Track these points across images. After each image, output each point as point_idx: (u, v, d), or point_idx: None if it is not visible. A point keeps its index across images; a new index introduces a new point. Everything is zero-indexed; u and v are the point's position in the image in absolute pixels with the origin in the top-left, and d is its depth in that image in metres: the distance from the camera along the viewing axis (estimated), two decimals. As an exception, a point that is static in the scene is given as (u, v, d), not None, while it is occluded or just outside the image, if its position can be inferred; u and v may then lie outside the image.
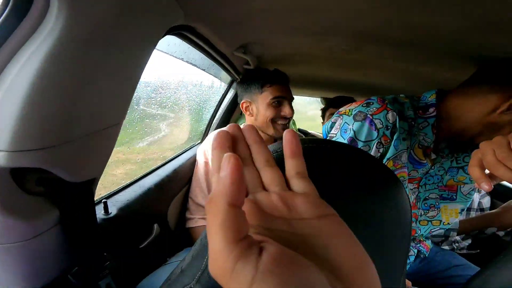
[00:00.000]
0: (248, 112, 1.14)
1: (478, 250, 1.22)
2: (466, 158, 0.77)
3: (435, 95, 0.71)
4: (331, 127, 0.76)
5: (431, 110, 0.71)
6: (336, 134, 0.72)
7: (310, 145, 0.30)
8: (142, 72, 0.49)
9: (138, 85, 0.49)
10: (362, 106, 0.70)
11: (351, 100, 1.68)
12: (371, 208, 0.29)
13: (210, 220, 0.17)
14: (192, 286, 0.31)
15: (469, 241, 1.23)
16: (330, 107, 1.81)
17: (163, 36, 0.52)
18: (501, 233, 1.18)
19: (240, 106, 1.16)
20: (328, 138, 0.74)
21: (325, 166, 0.29)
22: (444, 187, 0.80)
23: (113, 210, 0.66)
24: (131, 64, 0.46)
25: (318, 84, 1.78)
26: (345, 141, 0.69)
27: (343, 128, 0.71)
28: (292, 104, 1.12)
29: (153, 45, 0.48)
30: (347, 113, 0.72)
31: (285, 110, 1.07)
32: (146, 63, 0.49)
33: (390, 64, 1.02)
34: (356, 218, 0.27)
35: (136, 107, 1.02)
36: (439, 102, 0.71)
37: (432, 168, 0.77)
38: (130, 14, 0.39)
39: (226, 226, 0.16)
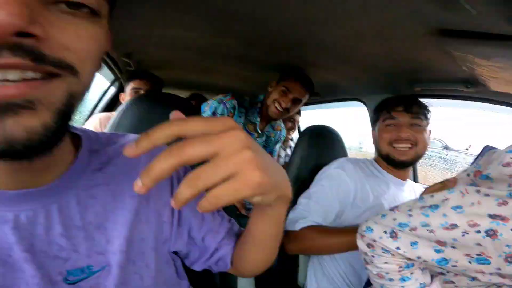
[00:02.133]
0: None
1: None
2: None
3: (263, 96, 1.36)
4: (205, 105, 1.37)
5: (259, 104, 1.37)
6: (207, 110, 1.34)
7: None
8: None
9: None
10: (223, 96, 1.35)
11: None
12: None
13: None
14: None
15: None
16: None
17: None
18: None
19: None
20: (203, 113, 1.35)
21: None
22: None
23: None
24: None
25: (186, 85, 2.38)
26: (210, 114, 1.34)
27: (211, 106, 1.35)
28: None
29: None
30: (214, 99, 1.36)
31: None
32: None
33: (228, 69, 1.54)
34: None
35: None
36: (262, 101, 1.36)
37: (257, 138, 1.44)
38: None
39: None
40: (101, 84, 1.98)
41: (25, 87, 0.23)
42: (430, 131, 0.97)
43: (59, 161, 0.36)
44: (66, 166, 0.37)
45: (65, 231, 0.35)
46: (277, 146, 1.58)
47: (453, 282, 0.61)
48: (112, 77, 1.86)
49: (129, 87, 1.54)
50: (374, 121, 1.04)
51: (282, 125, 1.56)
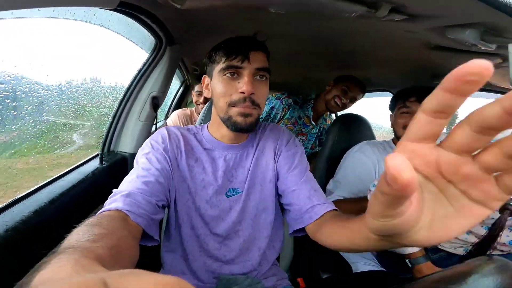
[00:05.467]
0: None
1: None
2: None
3: (314, 94, 1.66)
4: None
5: (311, 101, 1.65)
6: (266, 104, 1.54)
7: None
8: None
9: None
10: (281, 94, 1.62)
11: None
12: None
13: None
14: None
15: None
16: None
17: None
18: None
19: None
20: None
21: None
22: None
23: None
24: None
25: None
26: (269, 108, 1.59)
27: (270, 102, 1.60)
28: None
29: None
30: (273, 95, 1.62)
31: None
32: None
33: (286, 70, 1.73)
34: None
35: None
36: (316, 98, 1.64)
37: (312, 129, 1.73)
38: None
39: None
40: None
41: (251, 110, 0.66)
42: None
43: (245, 135, 0.75)
44: (246, 137, 0.76)
45: (237, 167, 0.75)
46: None
47: None
48: (182, 78, 2.33)
49: (194, 89, 1.94)
50: (392, 108, 1.23)
51: (333, 116, 1.87)
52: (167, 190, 0.66)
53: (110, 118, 1.15)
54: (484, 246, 0.72)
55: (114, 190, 0.60)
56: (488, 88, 1.23)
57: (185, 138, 0.73)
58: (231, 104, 0.67)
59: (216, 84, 0.68)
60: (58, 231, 0.73)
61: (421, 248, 0.85)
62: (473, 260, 0.32)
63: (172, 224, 0.74)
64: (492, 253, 0.74)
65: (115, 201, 0.55)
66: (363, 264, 1.04)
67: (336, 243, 0.56)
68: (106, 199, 0.57)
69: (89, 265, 0.24)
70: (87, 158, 1.09)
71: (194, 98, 1.95)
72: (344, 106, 1.55)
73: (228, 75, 0.66)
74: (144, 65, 1.14)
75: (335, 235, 0.57)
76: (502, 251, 0.79)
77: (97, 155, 1.11)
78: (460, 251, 0.87)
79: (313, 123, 1.70)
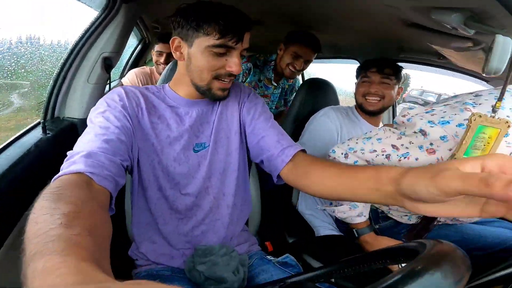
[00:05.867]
0: None
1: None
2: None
3: (275, 56, 1.54)
4: None
5: (272, 62, 1.57)
6: None
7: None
8: None
9: None
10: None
11: None
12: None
13: None
14: None
15: None
16: None
17: None
18: None
19: None
20: None
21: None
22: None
23: None
24: None
25: None
26: None
27: None
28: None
29: None
30: None
31: None
32: None
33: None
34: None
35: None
36: (276, 59, 1.53)
37: (274, 90, 1.69)
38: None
39: None
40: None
41: (230, 84, 0.70)
42: (401, 88, 1.22)
43: None
44: None
45: (202, 122, 0.74)
46: (292, 96, 1.81)
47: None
48: (139, 36, 2.07)
49: (155, 49, 1.74)
50: (357, 76, 1.25)
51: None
52: (129, 149, 0.62)
53: (51, 81, 1.00)
54: (428, 219, 0.81)
55: (69, 152, 0.52)
56: (453, 68, 1.30)
57: (145, 95, 0.70)
58: (215, 77, 0.68)
59: (201, 56, 0.66)
60: (7, 219, 0.69)
61: (367, 219, 0.95)
62: (429, 249, 0.31)
63: (135, 190, 0.72)
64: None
65: (74, 163, 0.48)
66: (324, 228, 1.13)
67: (329, 190, 0.57)
68: (57, 173, 0.49)
69: (91, 273, 0.23)
70: (27, 128, 0.94)
71: (154, 58, 1.78)
72: (301, 70, 1.51)
73: (219, 53, 0.65)
74: (92, 24, 1.01)
75: (328, 181, 0.57)
76: (438, 221, 0.90)
77: (38, 124, 0.97)
78: (405, 219, 0.97)
79: (274, 83, 1.64)
